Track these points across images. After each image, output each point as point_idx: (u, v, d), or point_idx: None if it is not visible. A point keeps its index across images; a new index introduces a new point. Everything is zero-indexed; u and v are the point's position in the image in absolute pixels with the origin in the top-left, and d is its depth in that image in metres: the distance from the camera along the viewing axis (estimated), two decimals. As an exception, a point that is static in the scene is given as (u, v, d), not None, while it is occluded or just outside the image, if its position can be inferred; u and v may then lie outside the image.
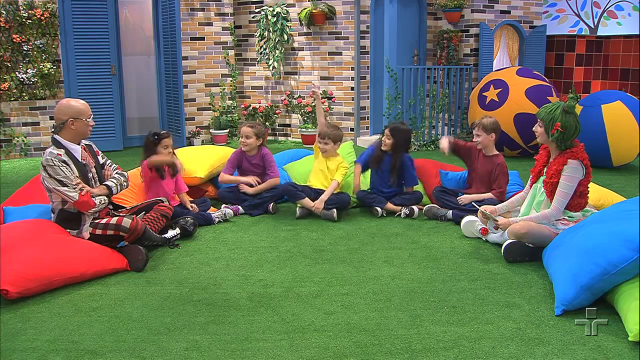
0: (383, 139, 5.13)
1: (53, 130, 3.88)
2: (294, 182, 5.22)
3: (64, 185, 3.71)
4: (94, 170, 3.96)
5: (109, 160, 4.21)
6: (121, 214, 4.03)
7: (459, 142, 5.07)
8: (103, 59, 8.12)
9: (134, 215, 3.96)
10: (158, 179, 4.69)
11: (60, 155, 3.76)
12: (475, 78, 8.84)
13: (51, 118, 7.92)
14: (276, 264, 3.89)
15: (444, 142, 5.05)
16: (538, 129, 4.00)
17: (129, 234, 3.80)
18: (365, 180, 5.46)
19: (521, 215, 4.12)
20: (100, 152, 4.15)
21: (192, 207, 4.76)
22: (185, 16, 8.71)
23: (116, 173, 4.13)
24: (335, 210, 4.90)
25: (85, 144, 3.99)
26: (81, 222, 3.85)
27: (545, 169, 4.02)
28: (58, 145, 3.82)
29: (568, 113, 3.86)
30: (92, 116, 3.94)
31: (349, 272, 3.74)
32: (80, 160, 3.87)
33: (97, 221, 3.84)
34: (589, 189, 3.96)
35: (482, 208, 4.22)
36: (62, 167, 3.72)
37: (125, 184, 4.13)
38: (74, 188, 3.72)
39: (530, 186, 4.16)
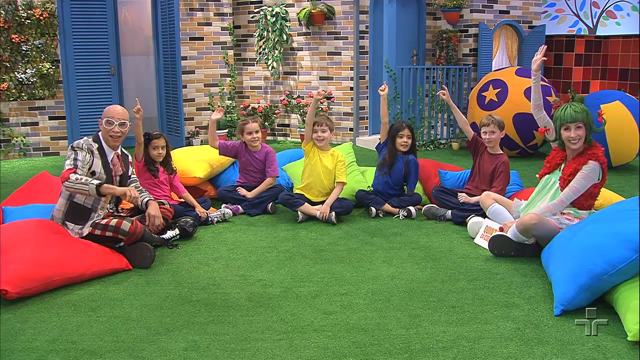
0: (402, 140, 5.06)
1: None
2: (289, 192, 5.12)
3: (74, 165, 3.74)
4: (117, 178, 4.01)
5: (134, 176, 4.29)
6: (121, 215, 4.03)
7: (476, 135, 5.02)
8: (102, 59, 8.11)
9: (134, 218, 3.94)
10: (152, 179, 4.68)
11: (92, 146, 3.86)
12: (474, 78, 8.84)
13: (50, 118, 7.93)
14: (275, 264, 3.89)
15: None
16: (580, 132, 3.86)
17: (127, 237, 3.80)
18: (368, 181, 5.43)
19: (526, 206, 4.11)
20: (132, 164, 4.25)
21: (201, 211, 4.71)
22: (184, 16, 8.71)
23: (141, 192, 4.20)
24: (334, 213, 4.82)
25: (120, 153, 4.06)
26: (89, 218, 3.85)
27: (562, 166, 3.96)
28: (96, 138, 3.93)
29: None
30: (117, 123, 3.92)
31: (348, 272, 3.74)
32: (109, 162, 3.93)
33: (97, 221, 3.84)
34: (599, 193, 3.94)
35: (504, 229, 4.11)
36: (83, 153, 3.79)
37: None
38: (80, 173, 3.73)
39: (540, 177, 4.10)
